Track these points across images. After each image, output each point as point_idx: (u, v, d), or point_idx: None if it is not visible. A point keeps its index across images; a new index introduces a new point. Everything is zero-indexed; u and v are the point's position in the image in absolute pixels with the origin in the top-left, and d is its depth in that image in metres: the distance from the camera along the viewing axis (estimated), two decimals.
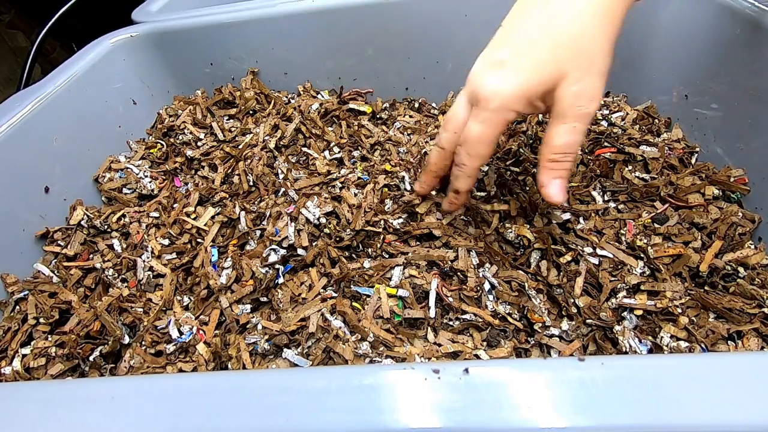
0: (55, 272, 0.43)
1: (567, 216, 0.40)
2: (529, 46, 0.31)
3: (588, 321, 0.33)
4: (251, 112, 0.59)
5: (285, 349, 0.34)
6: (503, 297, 0.36)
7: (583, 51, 0.30)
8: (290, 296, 0.38)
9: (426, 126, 0.55)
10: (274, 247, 0.41)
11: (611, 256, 0.37)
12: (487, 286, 0.37)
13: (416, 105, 0.59)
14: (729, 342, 0.32)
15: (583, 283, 0.36)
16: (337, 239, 0.42)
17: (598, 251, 0.37)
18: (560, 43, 0.30)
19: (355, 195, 0.45)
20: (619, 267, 0.36)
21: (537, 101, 0.32)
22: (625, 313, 0.34)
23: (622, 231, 0.39)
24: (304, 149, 0.53)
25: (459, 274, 0.38)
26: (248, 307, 0.38)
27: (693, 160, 0.45)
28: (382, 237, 0.41)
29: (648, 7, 0.50)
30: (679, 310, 0.33)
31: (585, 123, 0.32)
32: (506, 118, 0.32)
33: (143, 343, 0.37)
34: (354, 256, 0.42)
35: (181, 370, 0.35)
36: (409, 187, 0.47)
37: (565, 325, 0.34)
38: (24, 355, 0.37)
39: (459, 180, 0.36)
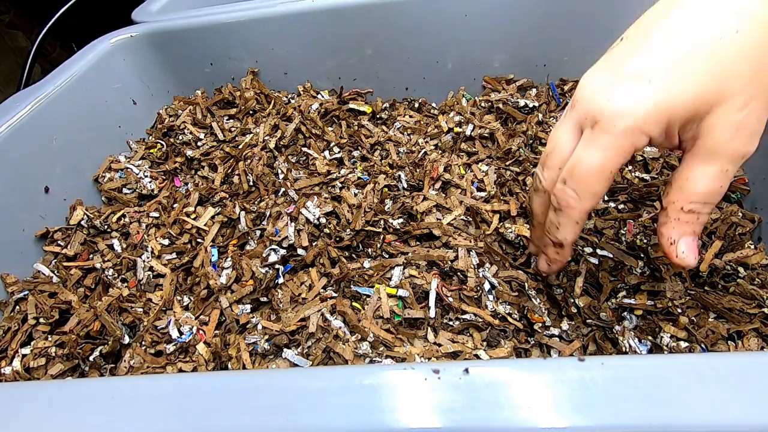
0: (55, 272, 0.43)
1: None
2: (678, 56, 0.23)
3: (588, 321, 0.33)
4: (251, 112, 0.59)
5: (285, 349, 0.34)
6: (503, 297, 0.36)
7: (757, 69, 0.23)
8: (290, 296, 0.38)
9: (426, 126, 0.55)
10: (274, 247, 0.41)
11: (611, 256, 0.37)
12: (487, 286, 0.37)
13: (416, 105, 0.59)
14: (729, 342, 0.32)
15: (583, 283, 0.36)
16: (337, 239, 0.42)
17: (598, 251, 0.37)
18: (724, 55, 0.23)
19: (355, 195, 0.45)
20: (619, 267, 0.36)
21: (677, 129, 0.25)
22: (625, 313, 0.34)
23: (622, 231, 0.39)
24: (304, 149, 0.53)
25: (459, 274, 0.38)
26: (248, 307, 0.38)
27: None
28: (382, 237, 0.41)
29: (648, 6, 0.50)
30: (679, 310, 0.33)
31: (737, 165, 0.25)
32: (635, 144, 0.24)
33: (143, 343, 0.37)
34: (354, 256, 0.42)
35: (181, 370, 0.35)
36: (406, 185, 0.47)
37: (565, 325, 0.34)
38: (24, 355, 0.37)
39: (564, 229, 0.28)
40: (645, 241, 0.37)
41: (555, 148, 0.28)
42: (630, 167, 0.44)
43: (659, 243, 0.27)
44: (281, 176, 0.49)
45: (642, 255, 0.36)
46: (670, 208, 0.26)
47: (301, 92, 0.60)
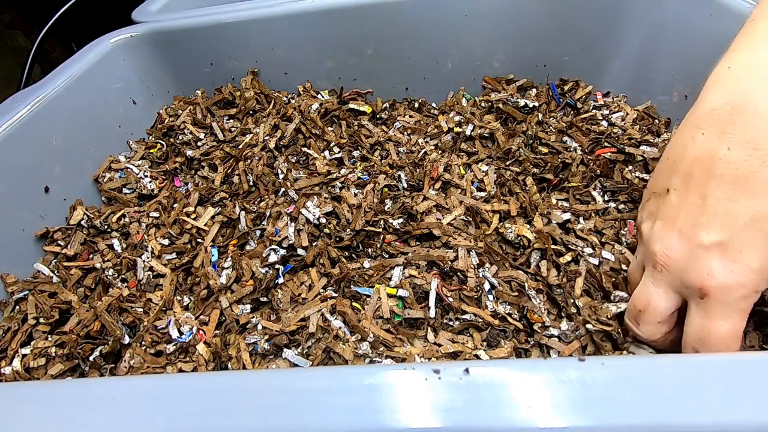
0: (55, 272, 0.43)
1: (567, 216, 0.40)
2: (762, 222, 0.25)
3: (588, 325, 0.33)
4: (251, 112, 0.59)
5: (285, 349, 0.34)
6: (503, 297, 0.36)
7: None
8: (290, 296, 0.38)
9: (426, 126, 0.55)
10: (274, 247, 0.41)
11: (612, 258, 0.37)
12: (487, 286, 0.37)
13: (416, 105, 0.59)
14: None
15: (583, 283, 0.36)
16: (337, 239, 0.42)
17: (602, 253, 0.37)
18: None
19: (355, 195, 0.45)
20: (620, 270, 0.36)
21: None
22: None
23: (622, 231, 0.39)
24: (304, 149, 0.53)
25: (459, 274, 0.38)
26: (248, 307, 0.38)
27: None
28: (382, 237, 0.41)
29: (648, 7, 0.50)
30: None
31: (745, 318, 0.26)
32: (754, 301, 0.26)
33: (143, 343, 0.37)
34: (354, 256, 0.42)
35: (181, 370, 0.35)
36: (406, 185, 0.47)
37: (564, 325, 0.34)
38: (24, 355, 0.37)
39: None
40: None
41: (651, 307, 0.29)
42: (630, 167, 0.44)
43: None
44: (281, 176, 0.49)
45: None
46: None
47: (301, 92, 0.60)
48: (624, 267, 0.36)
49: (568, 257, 0.38)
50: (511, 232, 0.40)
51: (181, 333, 0.37)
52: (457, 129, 0.53)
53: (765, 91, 0.25)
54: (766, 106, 0.24)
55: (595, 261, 0.37)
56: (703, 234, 0.26)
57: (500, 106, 0.53)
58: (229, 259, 0.41)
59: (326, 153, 0.53)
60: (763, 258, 0.25)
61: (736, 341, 0.26)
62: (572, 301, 0.35)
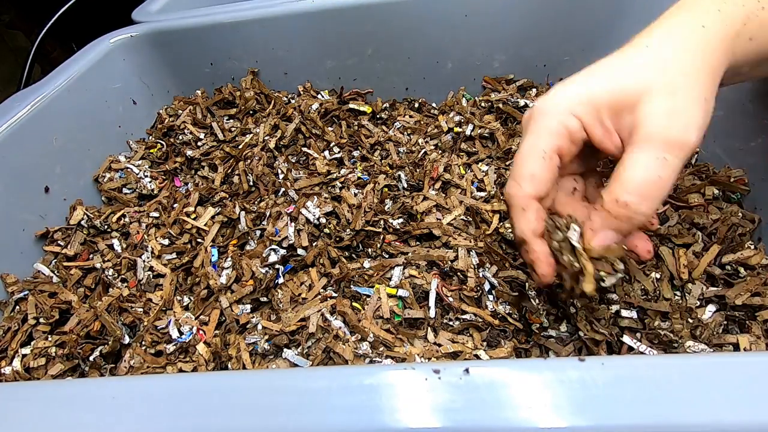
0: (55, 272, 0.43)
1: None
2: (604, 64, 0.26)
3: (579, 332, 0.33)
4: (251, 112, 0.59)
5: (285, 349, 0.34)
6: (503, 297, 0.36)
7: (674, 69, 0.24)
8: (290, 296, 0.38)
9: (426, 126, 0.55)
10: (274, 247, 0.41)
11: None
12: (487, 286, 0.37)
13: (416, 105, 0.59)
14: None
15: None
16: (337, 239, 0.42)
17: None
18: (645, 62, 0.24)
19: (355, 195, 0.45)
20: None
21: (607, 117, 0.25)
22: (624, 312, 0.34)
23: None
24: (304, 149, 0.53)
25: (459, 274, 0.38)
26: (248, 307, 0.38)
27: (693, 160, 0.45)
28: (382, 237, 0.41)
29: (647, 7, 0.50)
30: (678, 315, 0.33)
31: (679, 156, 0.23)
32: (564, 123, 0.25)
33: (143, 343, 0.37)
34: (354, 256, 0.42)
35: (181, 370, 0.35)
36: (406, 185, 0.47)
37: (563, 327, 0.34)
38: (24, 355, 0.37)
39: (516, 224, 0.28)
40: None
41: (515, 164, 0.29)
42: None
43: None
44: (281, 176, 0.49)
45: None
46: (606, 198, 0.25)
47: (301, 92, 0.60)
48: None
49: None
50: (511, 232, 0.40)
51: (181, 333, 0.37)
52: (457, 129, 0.53)
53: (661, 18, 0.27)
54: (659, 21, 0.26)
55: None
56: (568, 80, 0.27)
57: (500, 106, 0.53)
58: (229, 259, 0.41)
59: (326, 153, 0.53)
60: (587, 80, 0.26)
61: (533, 158, 0.26)
62: (571, 301, 0.35)
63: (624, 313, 0.34)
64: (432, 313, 0.35)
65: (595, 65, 0.26)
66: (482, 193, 0.45)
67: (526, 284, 0.36)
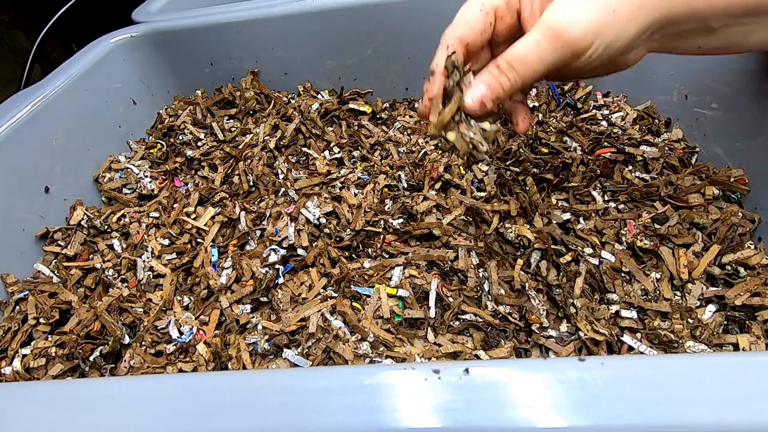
0: (55, 272, 0.43)
1: (567, 216, 0.40)
2: None
3: (579, 333, 0.33)
4: (251, 112, 0.59)
5: (285, 349, 0.34)
6: (503, 300, 0.36)
7: None
8: (290, 296, 0.38)
9: (426, 126, 0.55)
10: (274, 247, 0.41)
11: (612, 258, 0.37)
12: (487, 286, 0.37)
13: (416, 105, 0.59)
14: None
15: (582, 283, 0.36)
16: (337, 239, 0.42)
17: (601, 253, 0.37)
18: None
19: (355, 195, 0.45)
20: (620, 270, 0.36)
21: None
22: (624, 312, 0.34)
23: (622, 231, 0.39)
24: (304, 149, 0.53)
25: (459, 274, 0.38)
26: (248, 307, 0.38)
27: (693, 160, 0.45)
28: (382, 237, 0.41)
29: None
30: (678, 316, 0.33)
31: (554, 45, 0.26)
32: None
33: (143, 343, 0.37)
34: (354, 256, 0.42)
35: (181, 370, 0.35)
36: (406, 185, 0.47)
37: (563, 327, 0.34)
38: (24, 355, 0.37)
39: (436, 56, 0.32)
40: (646, 241, 0.37)
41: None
42: (630, 167, 0.44)
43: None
44: (281, 176, 0.49)
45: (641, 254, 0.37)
46: (491, 60, 0.29)
47: (301, 92, 0.60)
48: (624, 267, 0.36)
49: (568, 257, 0.38)
50: (511, 232, 0.40)
51: (181, 333, 0.37)
52: None
53: None
54: None
55: (595, 261, 0.37)
56: None
57: None
58: (229, 259, 0.41)
59: (326, 153, 0.53)
60: None
61: (466, 6, 0.30)
62: (571, 301, 0.35)
63: (624, 313, 0.34)
64: (432, 313, 0.35)
65: None
66: (482, 193, 0.45)
67: (526, 284, 0.36)
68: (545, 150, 0.48)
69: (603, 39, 0.26)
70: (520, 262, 0.38)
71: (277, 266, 0.40)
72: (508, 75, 0.28)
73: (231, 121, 0.59)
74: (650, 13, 0.26)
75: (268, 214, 0.44)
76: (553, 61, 0.27)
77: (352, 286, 0.38)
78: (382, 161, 0.51)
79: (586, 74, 0.29)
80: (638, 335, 0.33)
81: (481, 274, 0.37)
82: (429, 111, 0.33)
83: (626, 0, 0.25)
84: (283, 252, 0.41)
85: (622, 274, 0.36)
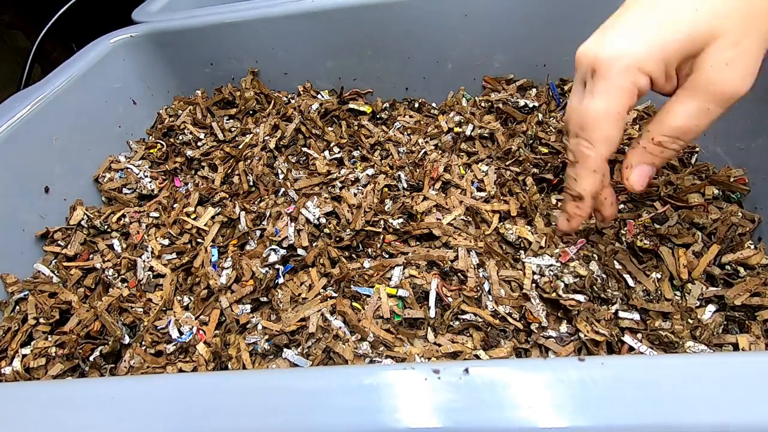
0: (55, 272, 0.43)
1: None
2: (668, 3, 0.24)
3: (579, 334, 0.33)
4: (251, 112, 0.59)
5: (285, 349, 0.34)
6: (503, 302, 0.36)
7: (747, 8, 0.23)
8: (290, 296, 0.38)
9: (426, 126, 0.55)
10: (274, 247, 0.41)
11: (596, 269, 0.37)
12: (487, 286, 0.37)
13: (416, 105, 0.59)
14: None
15: (582, 283, 0.36)
16: (337, 239, 0.42)
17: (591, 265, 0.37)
18: (711, 7, 0.23)
19: (355, 195, 0.45)
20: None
21: (673, 68, 0.25)
22: (624, 314, 0.34)
23: (622, 231, 0.39)
24: (304, 149, 0.53)
25: (459, 274, 0.38)
26: (248, 307, 0.38)
27: (693, 160, 0.45)
28: (382, 237, 0.41)
29: None
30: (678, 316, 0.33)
31: (724, 106, 0.24)
32: (636, 83, 0.25)
33: (143, 343, 0.37)
34: (354, 256, 0.42)
35: (181, 370, 0.35)
36: (406, 185, 0.47)
37: (563, 328, 0.34)
38: (24, 355, 0.37)
39: (582, 181, 0.28)
40: (645, 241, 0.37)
41: (569, 113, 0.28)
42: None
43: (621, 168, 0.28)
44: (281, 176, 0.49)
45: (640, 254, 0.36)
46: (643, 136, 0.27)
47: (301, 92, 0.60)
48: (625, 267, 0.36)
49: None
50: (511, 233, 0.40)
51: (181, 333, 0.37)
52: (457, 129, 0.53)
53: None
54: None
55: (596, 266, 0.37)
56: (608, 21, 0.27)
57: (500, 106, 0.53)
58: (229, 259, 0.41)
59: (326, 153, 0.53)
60: (658, 31, 0.24)
61: (609, 122, 0.25)
62: (571, 304, 0.35)
63: (625, 314, 0.34)
64: (432, 313, 0.35)
65: (650, 8, 0.25)
66: (482, 193, 0.45)
67: (525, 284, 0.36)
68: (545, 150, 0.48)
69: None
70: (528, 268, 0.38)
71: (277, 266, 0.40)
72: (672, 147, 0.26)
73: (231, 121, 0.59)
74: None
75: (268, 214, 0.44)
76: (718, 117, 0.25)
77: (352, 286, 0.38)
78: (382, 161, 0.51)
79: None
80: (639, 336, 0.33)
81: (481, 274, 0.37)
82: (573, 227, 0.30)
83: (764, 29, 0.24)
84: (283, 252, 0.41)
85: (623, 275, 0.36)
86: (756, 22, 0.23)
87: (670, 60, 0.25)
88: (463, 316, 0.35)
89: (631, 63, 0.24)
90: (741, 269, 0.35)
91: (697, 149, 0.46)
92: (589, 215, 0.29)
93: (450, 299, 0.36)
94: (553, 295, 0.34)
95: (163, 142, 0.56)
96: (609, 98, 0.25)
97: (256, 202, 0.47)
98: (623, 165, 0.28)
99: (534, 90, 0.56)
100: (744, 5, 0.23)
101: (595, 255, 0.37)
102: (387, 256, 0.40)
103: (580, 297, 0.34)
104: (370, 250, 0.41)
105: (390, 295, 0.36)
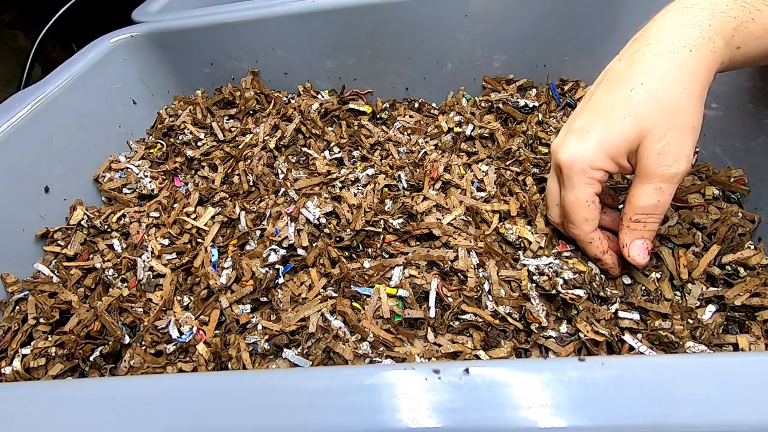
0: (55, 272, 0.43)
1: None
2: (609, 110, 0.30)
3: (579, 334, 0.33)
4: (251, 112, 0.59)
5: (285, 349, 0.34)
6: (503, 302, 0.36)
7: (666, 107, 0.29)
8: (290, 296, 0.38)
9: (426, 126, 0.55)
10: (274, 247, 0.41)
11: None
12: (487, 286, 0.37)
13: (416, 105, 0.59)
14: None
15: (582, 284, 0.36)
16: (337, 239, 0.42)
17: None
18: (641, 102, 0.29)
19: (355, 195, 0.45)
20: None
21: (622, 159, 0.31)
22: (624, 314, 0.34)
23: None
24: (304, 149, 0.53)
25: (459, 274, 0.38)
26: (248, 307, 0.38)
27: (693, 160, 0.45)
28: (382, 237, 0.41)
29: (646, 7, 0.50)
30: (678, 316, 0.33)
31: (672, 183, 0.30)
32: (594, 177, 0.31)
33: (143, 343, 0.37)
34: (354, 256, 0.42)
35: (181, 370, 0.35)
36: (406, 185, 0.47)
37: (563, 328, 0.34)
38: (24, 355, 0.37)
39: (587, 249, 0.34)
40: None
41: (549, 193, 0.36)
42: None
43: (620, 248, 0.33)
44: (281, 176, 0.49)
45: None
46: (624, 218, 0.32)
47: (301, 92, 0.60)
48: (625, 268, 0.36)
49: None
50: (512, 233, 0.39)
51: (181, 333, 0.37)
52: (457, 129, 0.53)
53: (658, 29, 0.31)
54: (655, 35, 0.31)
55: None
56: (575, 121, 0.32)
57: (500, 106, 0.53)
58: (229, 259, 0.41)
59: (326, 153, 0.53)
60: (600, 136, 0.30)
61: (581, 208, 0.32)
62: (571, 305, 0.35)
63: (625, 314, 0.34)
64: (432, 313, 0.35)
65: (599, 105, 0.31)
66: (482, 193, 0.45)
67: (523, 283, 0.36)
68: (545, 150, 0.48)
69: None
70: (524, 270, 0.38)
71: (277, 266, 0.40)
72: (650, 221, 0.31)
73: (231, 121, 0.59)
74: (707, 86, 0.30)
75: (268, 214, 0.44)
76: (674, 191, 0.31)
77: (352, 286, 0.38)
78: (382, 161, 0.51)
79: None
80: (639, 336, 0.33)
81: (481, 274, 0.37)
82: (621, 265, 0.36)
83: (697, 107, 0.29)
84: (283, 252, 0.41)
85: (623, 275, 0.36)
86: (676, 118, 0.29)
87: (615, 156, 0.30)
88: (463, 316, 0.35)
89: (584, 165, 0.31)
90: (741, 269, 0.35)
91: (697, 149, 0.46)
92: (614, 264, 0.35)
93: (450, 299, 0.36)
94: (553, 291, 0.34)
95: (163, 142, 0.57)
96: (576, 191, 0.32)
97: (256, 202, 0.47)
98: (621, 246, 0.33)
99: (534, 90, 0.56)
100: (665, 106, 0.29)
101: None
102: (387, 256, 0.40)
103: (580, 292, 0.34)
104: (370, 250, 0.41)
105: (390, 295, 0.36)
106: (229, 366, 0.34)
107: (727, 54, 0.30)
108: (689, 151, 0.29)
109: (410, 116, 0.58)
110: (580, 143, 0.31)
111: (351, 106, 0.58)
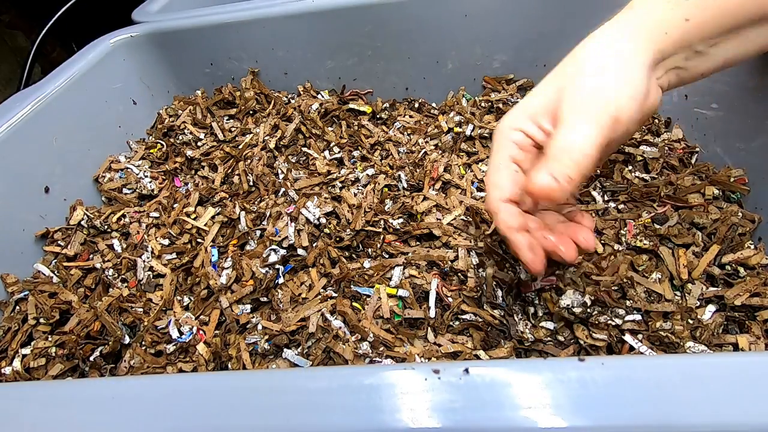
0: (55, 272, 0.43)
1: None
2: (539, 86, 0.32)
3: (585, 342, 0.33)
4: (251, 112, 0.59)
5: (285, 349, 0.34)
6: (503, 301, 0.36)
7: (602, 56, 0.30)
8: (290, 296, 0.38)
9: (426, 126, 0.55)
10: (274, 247, 0.41)
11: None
12: (487, 287, 0.37)
13: (416, 105, 0.59)
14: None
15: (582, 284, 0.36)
16: (337, 239, 0.42)
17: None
18: (564, 63, 0.31)
19: (355, 195, 0.45)
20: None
21: (543, 120, 0.30)
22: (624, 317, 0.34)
23: (622, 231, 0.39)
24: (304, 149, 0.53)
25: (459, 274, 0.38)
26: (248, 307, 0.38)
27: (693, 160, 0.45)
28: (382, 237, 0.41)
29: None
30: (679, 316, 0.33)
31: (602, 126, 0.28)
32: (511, 138, 0.31)
33: (143, 343, 0.37)
34: (354, 256, 0.42)
35: (181, 370, 0.35)
36: (406, 185, 0.47)
37: (564, 332, 0.34)
38: (24, 355, 0.37)
39: (496, 224, 0.32)
40: (645, 241, 0.37)
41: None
42: (630, 167, 0.44)
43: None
44: (281, 176, 0.49)
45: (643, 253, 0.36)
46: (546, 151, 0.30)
47: (301, 92, 0.60)
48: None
49: None
50: None
51: (181, 333, 0.37)
52: (457, 129, 0.53)
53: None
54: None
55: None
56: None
57: (500, 106, 0.53)
58: (229, 259, 0.41)
59: (326, 153, 0.53)
60: (523, 101, 0.32)
61: (490, 171, 0.31)
62: (567, 308, 0.35)
63: (626, 316, 0.34)
64: (432, 313, 0.35)
65: (532, 95, 0.32)
66: (482, 193, 0.45)
67: (517, 282, 0.36)
68: None
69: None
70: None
71: (277, 266, 0.40)
72: (564, 159, 0.28)
73: (231, 121, 0.59)
74: (648, 53, 0.30)
75: (268, 214, 0.44)
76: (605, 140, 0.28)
77: (352, 286, 0.38)
78: (382, 161, 0.51)
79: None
80: (639, 336, 0.33)
81: (481, 274, 0.37)
82: (541, 262, 0.31)
83: (639, 63, 0.29)
84: (283, 252, 0.41)
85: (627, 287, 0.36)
86: (628, 57, 0.29)
87: (535, 116, 0.31)
88: (463, 316, 0.35)
89: (503, 126, 0.31)
90: (741, 269, 0.35)
91: (697, 149, 0.46)
92: (528, 245, 0.30)
93: (450, 299, 0.36)
94: (555, 309, 0.34)
95: (163, 142, 0.57)
96: (494, 152, 0.32)
97: (256, 202, 0.47)
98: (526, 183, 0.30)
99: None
100: (582, 63, 0.30)
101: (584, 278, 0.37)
102: (387, 256, 0.40)
103: (579, 310, 0.33)
104: (370, 250, 0.41)
105: (390, 295, 0.36)
106: (229, 366, 0.34)
107: (674, 26, 0.30)
108: (628, 96, 0.28)
109: (410, 116, 0.58)
110: (511, 111, 0.32)
111: (351, 106, 0.58)
